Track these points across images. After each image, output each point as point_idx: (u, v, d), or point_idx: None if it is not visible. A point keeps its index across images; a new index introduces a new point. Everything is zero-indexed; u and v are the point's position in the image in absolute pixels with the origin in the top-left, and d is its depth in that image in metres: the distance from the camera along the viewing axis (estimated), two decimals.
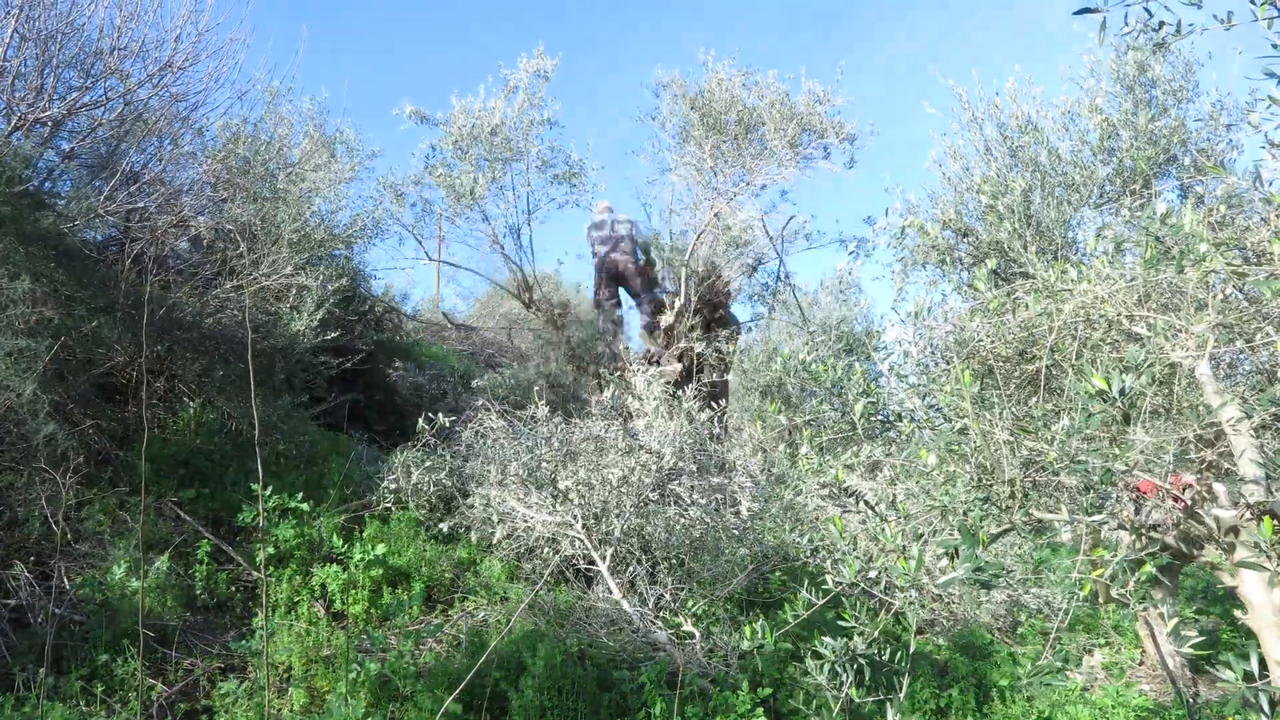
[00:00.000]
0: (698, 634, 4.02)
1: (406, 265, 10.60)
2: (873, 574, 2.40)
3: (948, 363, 3.80)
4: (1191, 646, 2.45)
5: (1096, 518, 2.50)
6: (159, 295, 4.53)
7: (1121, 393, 2.02)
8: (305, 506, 4.56)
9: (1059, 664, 2.18)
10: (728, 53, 8.19)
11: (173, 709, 3.25)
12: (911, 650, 2.31)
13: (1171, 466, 2.85)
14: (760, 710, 3.46)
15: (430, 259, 8.39)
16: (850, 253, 4.24)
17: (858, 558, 2.47)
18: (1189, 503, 2.79)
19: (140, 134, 5.12)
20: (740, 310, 9.07)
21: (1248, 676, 1.79)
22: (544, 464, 4.71)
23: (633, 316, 8.99)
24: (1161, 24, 1.91)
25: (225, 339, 4.85)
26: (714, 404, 8.73)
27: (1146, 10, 1.86)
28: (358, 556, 4.35)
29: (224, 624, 4.05)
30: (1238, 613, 2.77)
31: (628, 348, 8.94)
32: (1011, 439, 2.57)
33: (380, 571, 4.42)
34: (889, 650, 2.32)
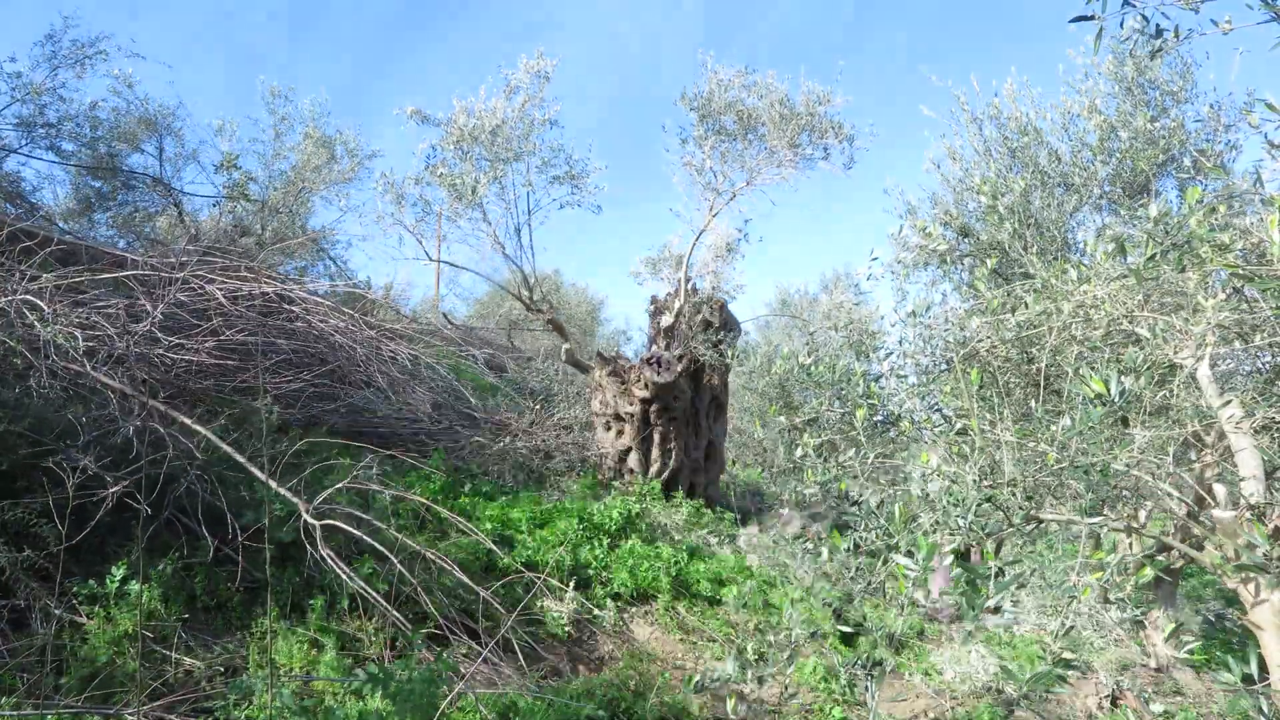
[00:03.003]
0: None
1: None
2: None
3: (948, 363, 3.81)
4: (1190, 649, 2.46)
5: (1097, 519, 2.50)
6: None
7: (1121, 394, 2.02)
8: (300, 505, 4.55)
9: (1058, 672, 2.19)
10: (728, 53, 8.18)
11: (172, 709, 3.25)
12: None
13: (1171, 466, 2.85)
14: None
15: (430, 259, 8.38)
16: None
17: None
18: (1190, 504, 2.80)
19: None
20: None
21: (1247, 679, 1.79)
22: None
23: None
24: (1159, 29, 1.91)
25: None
26: (716, 405, 8.74)
27: (1143, 16, 1.86)
28: (366, 569, 4.35)
29: (224, 625, 4.05)
30: (1238, 614, 2.77)
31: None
32: (1012, 439, 2.57)
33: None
34: None
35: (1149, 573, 2.25)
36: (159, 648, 3.57)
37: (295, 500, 4.18)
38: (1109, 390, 2.07)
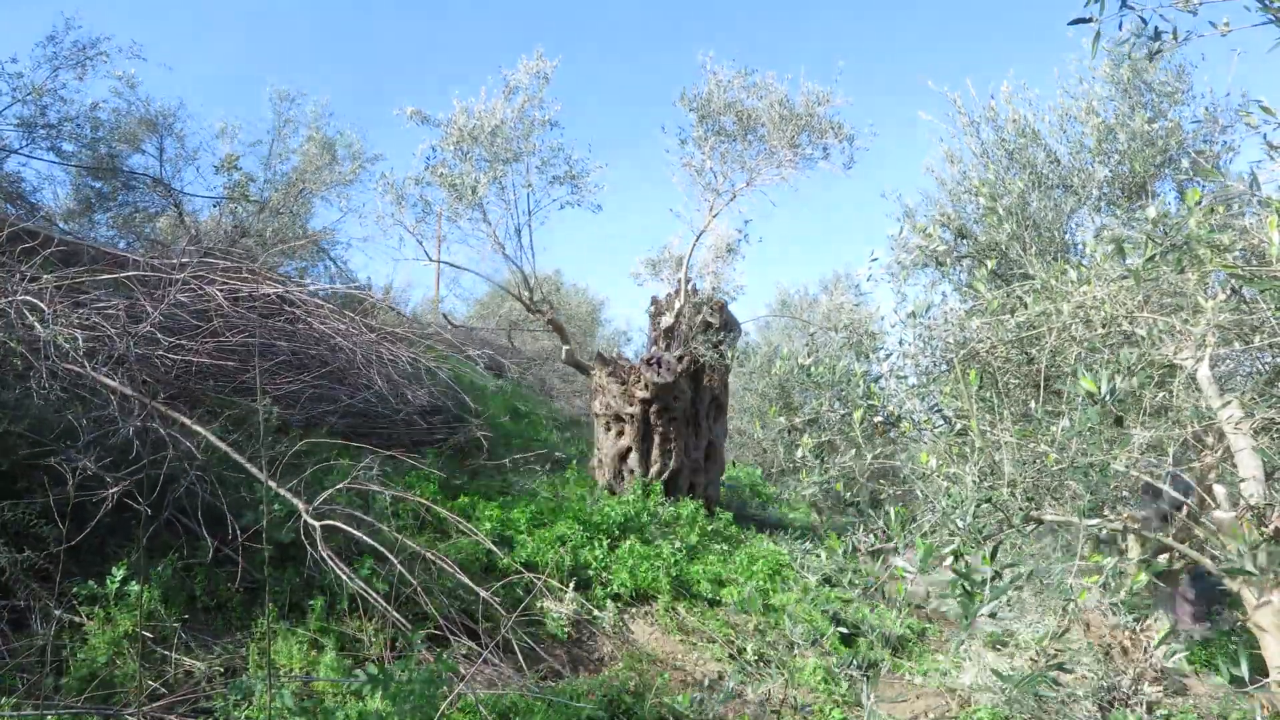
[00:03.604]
0: None
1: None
2: None
3: (948, 364, 3.81)
4: (1189, 650, 2.46)
5: (1096, 520, 2.50)
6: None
7: (1111, 393, 2.02)
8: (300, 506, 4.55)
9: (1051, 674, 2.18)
10: (727, 53, 8.20)
11: (172, 710, 3.26)
12: None
13: (1170, 467, 2.85)
14: None
15: (430, 260, 8.39)
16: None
17: None
18: (1190, 505, 2.80)
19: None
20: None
21: (1238, 680, 1.79)
22: None
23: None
24: (1158, 31, 1.91)
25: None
26: (715, 406, 8.74)
27: (1141, 19, 1.86)
28: (366, 569, 4.35)
29: (224, 625, 4.05)
30: (1239, 615, 2.78)
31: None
32: (1011, 440, 2.58)
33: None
34: None
35: (1144, 578, 2.25)
36: (159, 648, 3.57)
37: (295, 501, 4.18)
38: (1099, 390, 2.07)
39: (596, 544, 6.04)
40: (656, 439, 8.18)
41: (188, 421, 4.41)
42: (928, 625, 6.76)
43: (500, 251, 7.88)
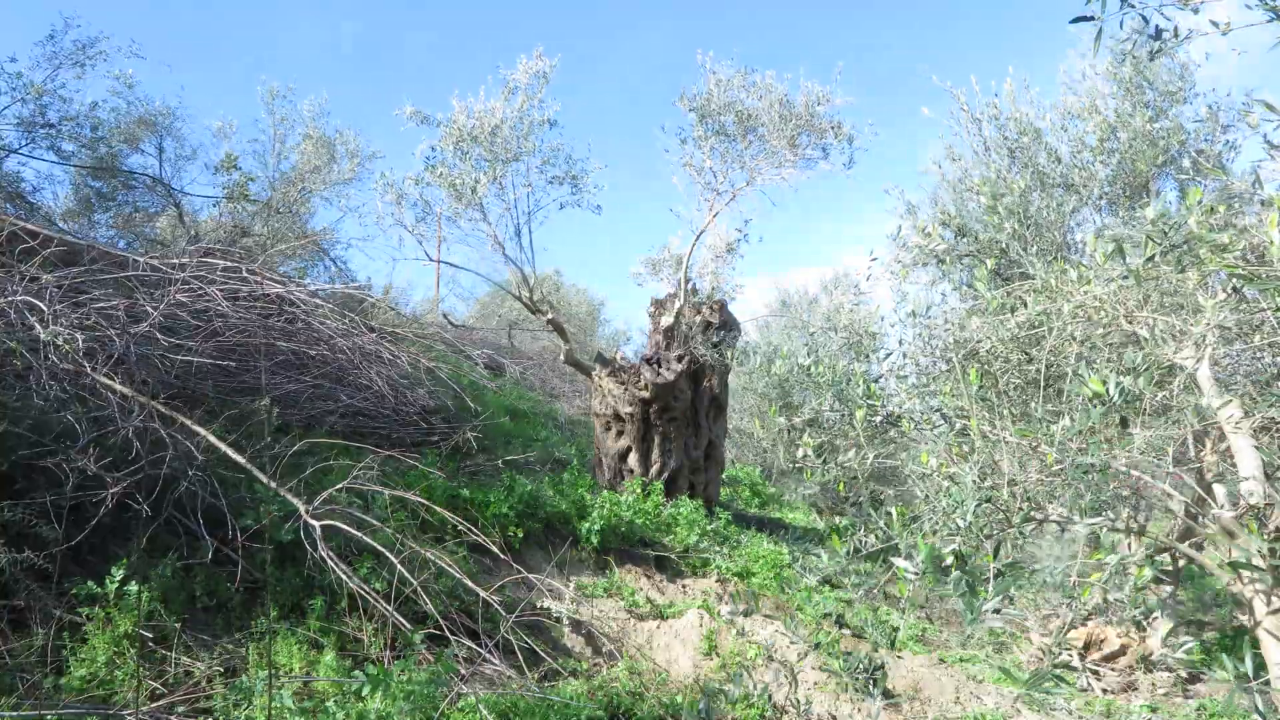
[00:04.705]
0: None
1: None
2: None
3: (947, 363, 3.81)
4: (1188, 650, 2.45)
5: (1097, 520, 2.50)
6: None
7: (1121, 393, 2.02)
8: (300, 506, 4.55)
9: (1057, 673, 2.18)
10: (727, 53, 8.19)
11: (172, 710, 3.25)
12: None
13: (1171, 467, 2.85)
14: None
15: (430, 260, 8.40)
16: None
17: None
18: (1189, 504, 2.80)
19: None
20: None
21: (1244, 678, 1.79)
22: None
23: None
24: (1159, 30, 1.91)
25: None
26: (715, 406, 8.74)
27: (1143, 18, 1.86)
28: (365, 570, 4.35)
29: (224, 625, 4.05)
30: (1238, 614, 2.77)
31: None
32: (1011, 440, 2.58)
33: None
34: None
35: (1148, 573, 2.25)
36: (159, 648, 3.57)
37: (295, 501, 4.18)
38: (1107, 391, 2.06)
39: None
40: (656, 439, 8.18)
41: (188, 421, 4.41)
42: (927, 625, 6.76)
43: (500, 251, 7.88)
